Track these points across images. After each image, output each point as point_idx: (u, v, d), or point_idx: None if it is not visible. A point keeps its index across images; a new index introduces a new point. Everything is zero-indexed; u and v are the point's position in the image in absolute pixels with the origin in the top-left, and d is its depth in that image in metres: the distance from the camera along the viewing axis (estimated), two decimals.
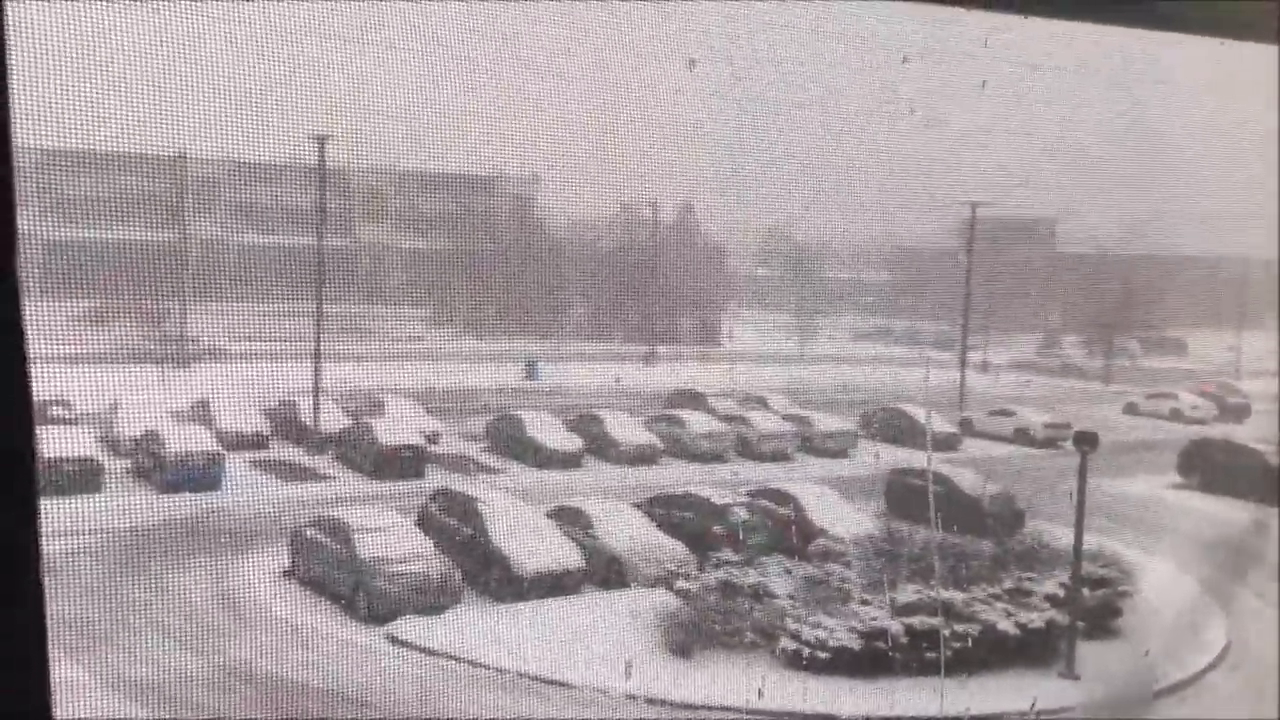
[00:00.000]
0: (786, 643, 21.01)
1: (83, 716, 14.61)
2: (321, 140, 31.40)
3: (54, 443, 26.03)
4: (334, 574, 23.20)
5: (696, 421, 36.60)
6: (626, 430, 35.54)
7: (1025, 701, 19.67)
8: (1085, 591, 22.46)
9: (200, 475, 27.97)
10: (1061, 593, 22.45)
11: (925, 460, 33.09)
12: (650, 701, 19.64)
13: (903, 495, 28.20)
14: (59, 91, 18.04)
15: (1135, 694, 19.66)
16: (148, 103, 20.67)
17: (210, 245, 38.91)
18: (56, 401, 28.02)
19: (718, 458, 35.51)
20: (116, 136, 21.11)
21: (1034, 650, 21.73)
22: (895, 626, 20.85)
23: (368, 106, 28.29)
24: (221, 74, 22.73)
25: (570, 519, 26.03)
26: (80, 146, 21.58)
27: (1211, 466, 34.77)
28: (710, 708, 19.41)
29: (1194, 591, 22.19)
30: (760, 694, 19.48)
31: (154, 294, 36.31)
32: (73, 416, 28.24)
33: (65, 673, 18.35)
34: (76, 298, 30.82)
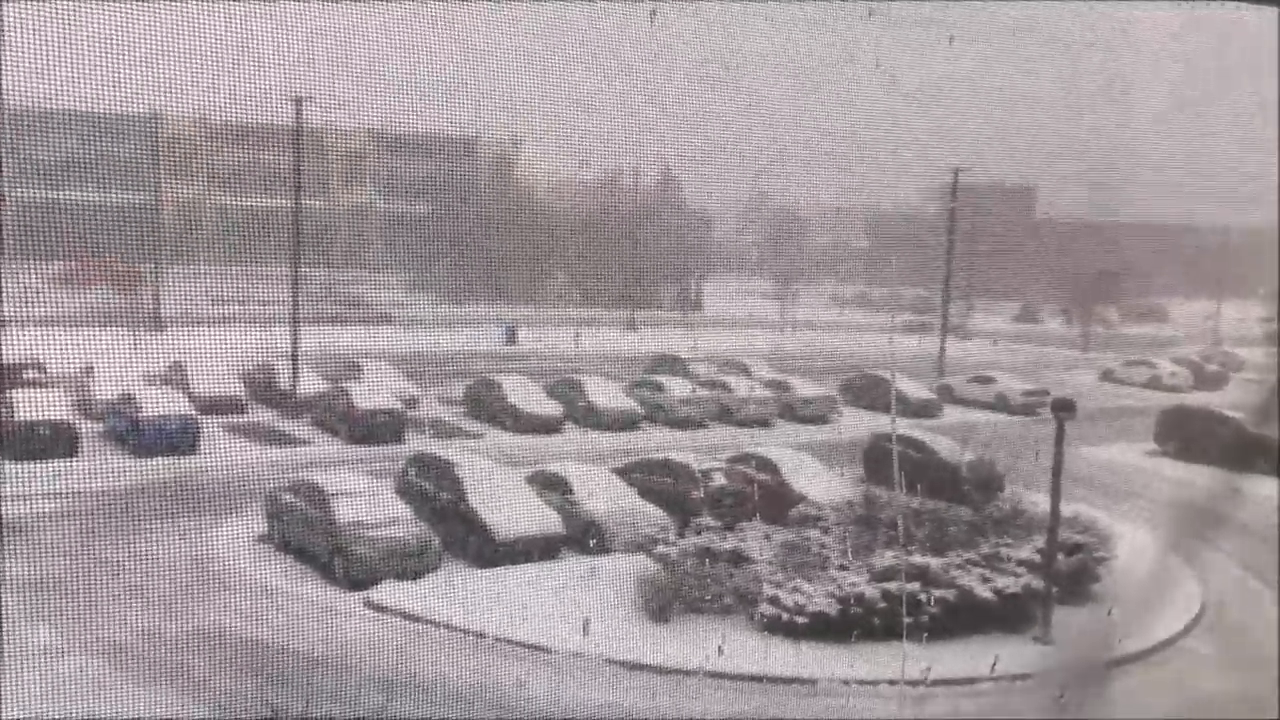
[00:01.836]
0: (765, 607, 21.06)
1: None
2: (299, 101, 31.08)
3: (28, 406, 25.85)
4: (311, 539, 23.10)
5: (677, 387, 36.57)
6: (607, 396, 35.49)
7: (1000, 667, 19.77)
8: (1061, 557, 22.56)
9: (176, 439, 27.80)
10: (1037, 558, 22.55)
11: (906, 426, 33.20)
12: (628, 665, 19.67)
13: (882, 461, 28.24)
14: (31, 51, 17.75)
15: (1098, 656, 19.81)
16: (122, 63, 20.34)
17: (185, 207, 38.52)
18: (30, 365, 27.79)
19: (698, 423, 35.54)
20: (90, 97, 20.79)
21: (1010, 616, 21.84)
22: (872, 591, 20.92)
23: (346, 68, 27.95)
24: (197, 33, 22.41)
25: (549, 484, 25.98)
26: (53, 107, 21.24)
27: (1188, 434, 34.96)
28: (688, 671, 19.46)
29: (1169, 557, 22.31)
30: (721, 651, 19.57)
31: (129, 257, 36.01)
32: (47, 380, 28.02)
33: (40, 636, 18.29)
34: (50, 260, 30.50)
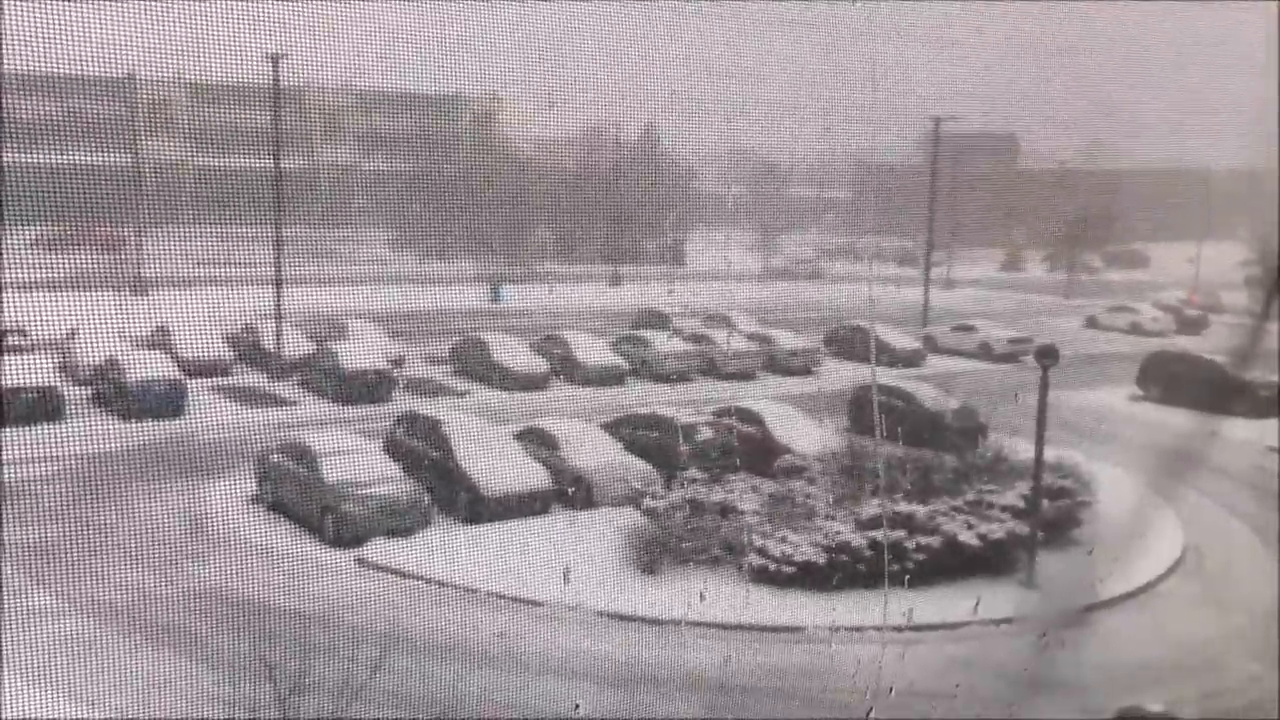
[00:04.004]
0: (752, 558, 21.28)
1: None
2: (276, 59, 30.74)
3: (12, 371, 25.78)
4: (302, 499, 23.20)
5: (661, 342, 36.65)
6: (592, 351, 35.55)
7: (985, 611, 20.06)
8: (1045, 502, 22.81)
9: (162, 402, 27.76)
10: (1022, 504, 22.79)
11: (891, 376, 33.42)
12: (619, 617, 19.89)
13: (867, 411, 28.42)
14: (5, 12, 17.52)
15: (1083, 599, 20.12)
16: (98, 23, 20.12)
17: (166, 169, 38.23)
18: (13, 330, 27.68)
19: (683, 377, 35.67)
20: (67, 59, 20.53)
21: (995, 561, 22.10)
22: (859, 540, 21.14)
23: (325, 24, 27.67)
24: None
25: (537, 440, 26.10)
26: (30, 70, 20.95)
27: (1170, 378, 35.25)
28: (678, 622, 19.68)
29: (1151, 500, 22.60)
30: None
31: (110, 219, 35.80)
32: (30, 344, 27.92)
33: (35, 599, 18.40)
34: (30, 224, 30.27)
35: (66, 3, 18.52)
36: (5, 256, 25.38)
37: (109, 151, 32.87)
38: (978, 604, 19.80)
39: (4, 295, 25.01)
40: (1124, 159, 48.77)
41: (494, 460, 24.53)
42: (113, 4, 20.00)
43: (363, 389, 30.84)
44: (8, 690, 14.29)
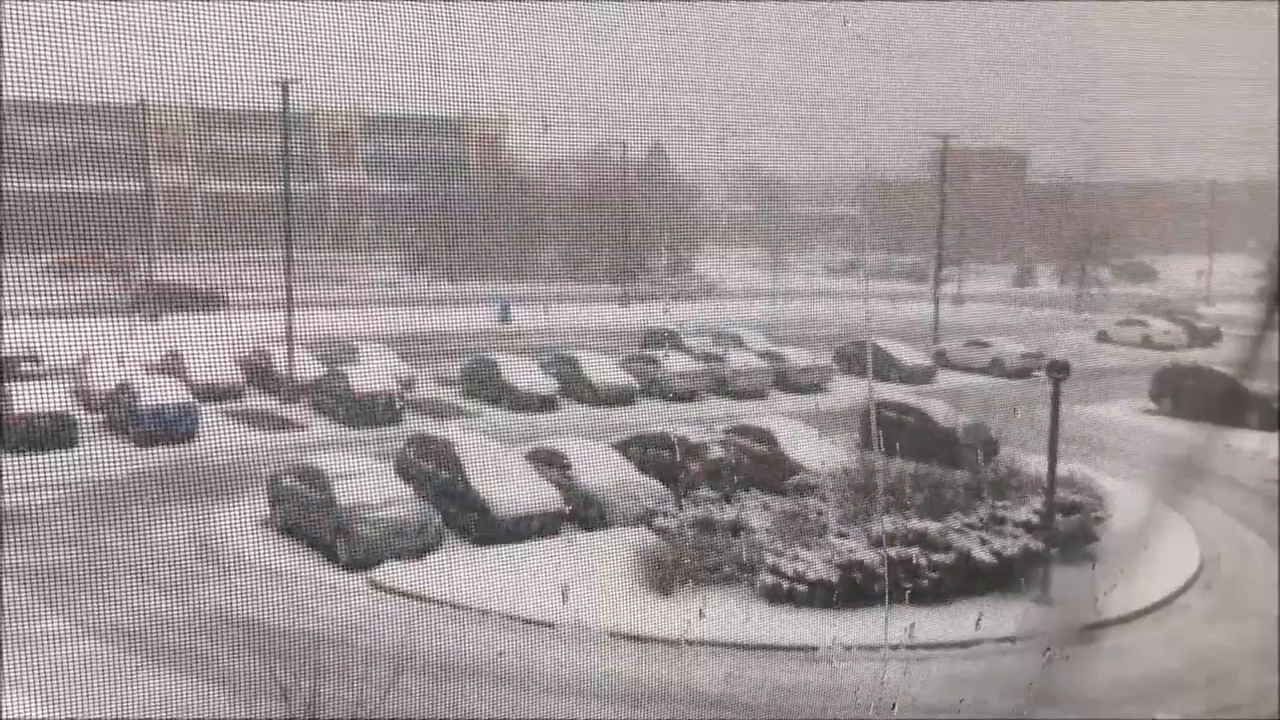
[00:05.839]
0: (765, 576, 21.20)
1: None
2: (285, 85, 30.97)
3: (25, 397, 25.91)
4: (314, 521, 23.21)
5: (672, 361, 36.66)
6: (602, 371, 35.56)
7: (999, 628, 19.96)
8: (1059, 517, 22.67)
9: (175, 426, 27.88)
10: (1035, 520, 22.66)
11: (902, 392, 33.36)
12: (632, 637, 19.83)
13: (878, 428, 28.31)
14: (15, 41, 17.71)
15: (1096, 615, 20.00)
16: (108, 51, 20.31)
17: (175, 195, 38.44)
18: (26, 357, 27.83)
19: (694, 396, 35.65)
20: (80, 87, 20.73)
21: (1008, 578, 21.96)
22: (871, 557, 21.05)
23: (331, 50, 27.87)
24: (185, 19, 22.37)
25: (548, 460, 26.09)
26: (44, 98, 21.15)
27: (1182, 391, 35.14)
28: (691, 642, 19.63)
29: (1165, 513, 22.50)
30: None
31: (122, 245, 36.03)
32: (43, 371, 28.06)
33: (48, 624, 18.44)
34: (43, 251, 30.46)
35: (80, 32, 18.70)
36: (19, 283, 25.55)
37: (121, 179, 33.08)
38: (979, 620, 19.73)
39: (18, 322, 25.16)
40: (1131, 172, 48.76)
41: (505, 481, 24.51)
42: (125, 32, 20.19)
43: (373, 411, 30.90)
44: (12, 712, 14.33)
